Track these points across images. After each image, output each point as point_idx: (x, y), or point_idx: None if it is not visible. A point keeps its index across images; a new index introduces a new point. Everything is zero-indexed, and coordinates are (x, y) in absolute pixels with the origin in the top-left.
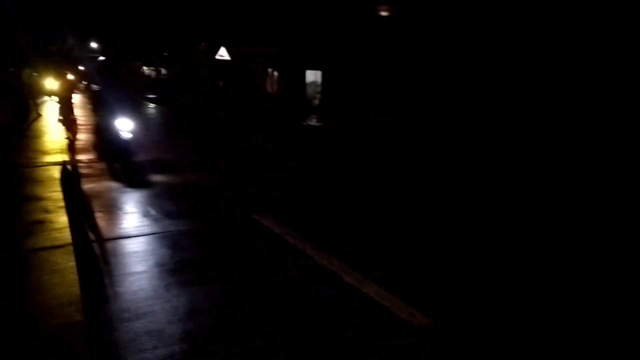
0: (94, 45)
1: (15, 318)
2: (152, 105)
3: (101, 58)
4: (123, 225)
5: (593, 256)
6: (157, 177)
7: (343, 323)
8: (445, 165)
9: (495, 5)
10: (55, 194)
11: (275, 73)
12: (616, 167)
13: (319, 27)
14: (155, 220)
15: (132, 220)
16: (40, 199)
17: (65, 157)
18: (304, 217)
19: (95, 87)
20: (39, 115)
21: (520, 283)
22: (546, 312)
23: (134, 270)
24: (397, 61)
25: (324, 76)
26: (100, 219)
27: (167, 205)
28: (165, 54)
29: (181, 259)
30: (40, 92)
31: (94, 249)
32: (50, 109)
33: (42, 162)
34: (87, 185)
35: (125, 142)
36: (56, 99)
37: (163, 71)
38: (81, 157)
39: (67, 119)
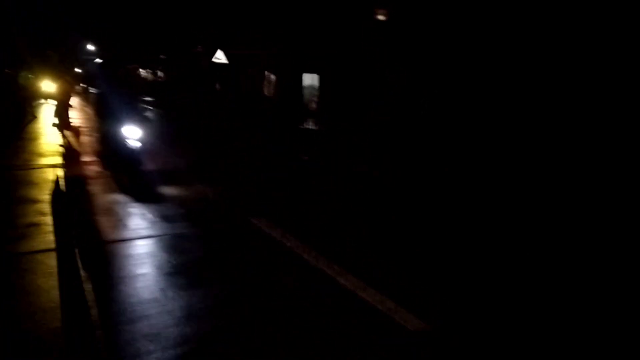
0: (90, 47)
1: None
2: (149, 108)
3: (98, 60)
4: (120, 227)
5: (592, 259)
6: (165, 188)
7: (339, 328)
8: (445, 165)
9: (495, 5)
10: (50, 196)
11: (273, 76)
12: (616, 169)
13: (316, 29)
14: (153, 223)
15: (131, 221)
16: (36, 201)
17: (60, 162)
18: (301, 220)
19: (94, 90)
20: (34, 117)
21: (519, 286)
22: (544, 316)
23: (129, 274)
24: (397, 61)
25: (321, 79)
26: (102, 223)
27: (168, 209)
28: (162, 56)
29: (178, 262)
30: (36, 95)
31: (87, 253)
32: (46, 112)
33: (38, 164)
34: (92, 199)
35: (133, 151)
36: (53, 101)
37: (160, 74)
38: (83, 165)
39: (63, 122)
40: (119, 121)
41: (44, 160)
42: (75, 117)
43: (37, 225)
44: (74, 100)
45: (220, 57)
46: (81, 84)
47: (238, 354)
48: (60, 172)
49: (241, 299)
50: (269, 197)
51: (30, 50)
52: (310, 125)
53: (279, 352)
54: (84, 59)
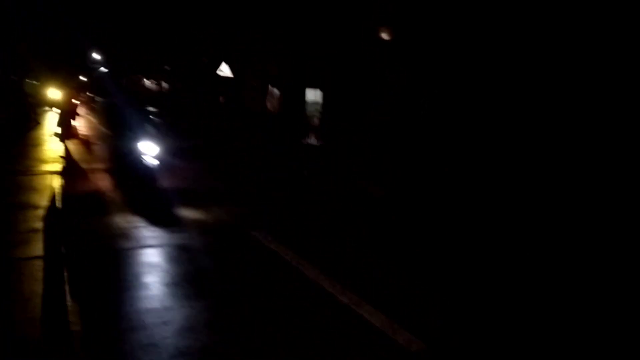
0: (96, 55)
1: None
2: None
3: (103, 69)
4: (121, 236)
5: (593, 262)
6: (172, 202)
7: (337, 344)
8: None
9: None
10: (57, 191)
11: (276, 90)
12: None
13: (318, 45)
14: (154, 232)
15: (133, 232)
16: (37, 207)
17: (63, 167)
18: (301, 234)
19: (103, 99)
20: (38, 123)
21: (521, 299)
22: (547, 331)
23: (126, 284)
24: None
25: (324, 95)
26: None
27: (170, 221)
28: (167, 67)
29: (177, 273)
30: (41, 102)
31: (85, 261)
32: (50, 119)
33: (40, 170)
34: (102, 219)
35: (149, 169)
36: (57, 110)
37: (164, 84)
38: (85, 177)
39: (66, 132)
40: (135, 136)
41: (46, 167)
42: (82, 126)
43: (37, 231)
44: (81, 109)
45: (224, 70)
46: (87, 93)
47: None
48: (57, 186)
49: (238, 310)
50: (269, 211)
51: (35, 57)
52: (312, 140)
53: None
54: (90, 67)
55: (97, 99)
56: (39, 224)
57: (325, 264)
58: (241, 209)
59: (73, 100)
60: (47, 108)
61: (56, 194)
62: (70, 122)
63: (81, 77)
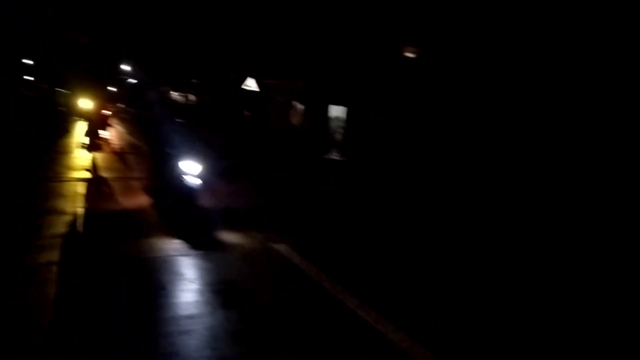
0: (125, 67)
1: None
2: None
3: (132, 81)
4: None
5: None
6: (221, 231)
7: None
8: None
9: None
10: (79, 209)
11: (300, 106)
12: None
13: (342, 62)
14: (173, 244)
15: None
16: (65, 213)
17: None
18: (322, 247)
19: (138, 111)
20: (68, 132)
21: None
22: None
23: (141, 292)
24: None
25: (348, 111)
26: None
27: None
28: (195, 80)
29: (198, 282)
30: (72, 111)
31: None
32: (80, 128)
33: (68, 177)
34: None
35: (191, 189)
36: (85, 120)
37: (191, 97)
38: (123, 196)
39: (94, 143)
40: (176, 153)
41: (74, 174)
42: (113, 137)
43: (60, 236)
44: (112, 120)
45: (250, 84)
46: (119, 104)
47: None
48: (79, 207)
49: (256, 321)
50: (290, 224)
51: (66, 67)
52: (334, 155)
53: None
54: (120, 78)
55: (130, 110)
56: (63, 230)
57: (340, 274)
58: (261, 218)
59: (104, 111)
60: (77, 117)
61: (77, 216)
62: (98, 133)
63: (110, 88)
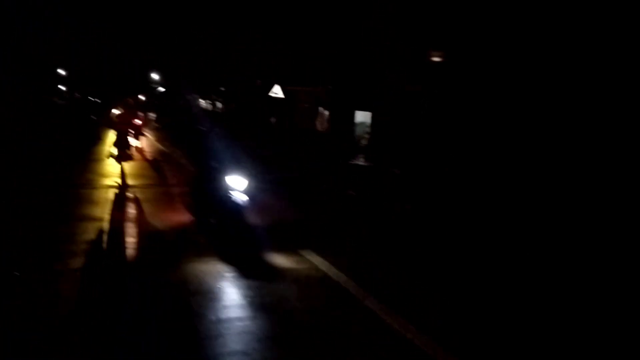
0: (154, 76)
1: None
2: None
3: (161, 89)
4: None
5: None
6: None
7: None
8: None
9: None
10: (110, 216)
11: (326, 112)
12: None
13: (367, 68)
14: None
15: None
16: (96, 219)
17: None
18: (346, 253)
19: (173, 121)
20: (100, 140)
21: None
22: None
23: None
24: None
25: (373, 117)
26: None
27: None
28: (222, 88)
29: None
30: (103, 120)
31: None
32: (111, 137)
33: (100, 184)
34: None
35: (238, 206)
36: (116, 129)
37: (219, 105)
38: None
39: (123, 154)
40: (220, 167)
41: (106, 181)
42: (145, 146)
43: (91, 242)
44: (144, 129)
45: (277, 91)
46: (150, 113)
47: None
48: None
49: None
50: (315, 230)
51: (98, 77)
52: (360, 161)
53: None
54: (150, 87)
55: (163, 119)
56: (96, 236)
57: (368, 283)
58: (288, 225)
59: (135, 120)
60: (108, 126)
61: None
62: (129, 142)
63: (140, 97)
